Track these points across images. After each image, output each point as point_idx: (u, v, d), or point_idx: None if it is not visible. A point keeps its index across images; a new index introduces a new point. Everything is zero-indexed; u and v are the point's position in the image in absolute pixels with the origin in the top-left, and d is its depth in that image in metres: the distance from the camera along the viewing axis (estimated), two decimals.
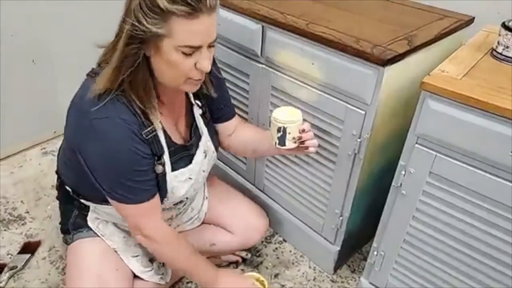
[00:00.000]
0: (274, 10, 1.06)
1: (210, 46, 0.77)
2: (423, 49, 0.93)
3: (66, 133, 0.90)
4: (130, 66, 0.75)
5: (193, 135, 0.97)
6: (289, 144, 0.90)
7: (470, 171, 0.77)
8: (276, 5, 1.10)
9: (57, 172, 1.07)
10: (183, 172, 0.93)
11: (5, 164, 1.61)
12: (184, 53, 0.74)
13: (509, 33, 0.80)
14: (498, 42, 0.84)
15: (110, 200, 0.87)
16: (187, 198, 1.03)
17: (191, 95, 0.98)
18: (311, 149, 0.92)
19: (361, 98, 0.92)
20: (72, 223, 1.03)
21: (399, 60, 0.87)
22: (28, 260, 1.24)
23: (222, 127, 1.07)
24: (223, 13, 1.15)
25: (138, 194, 0.84)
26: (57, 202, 1.11)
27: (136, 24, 0.71)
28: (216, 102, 1.02)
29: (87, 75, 0.85)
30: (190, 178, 0.95)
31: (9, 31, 1.44)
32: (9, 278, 1.18)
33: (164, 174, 0.89)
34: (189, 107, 0.98)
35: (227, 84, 1.26)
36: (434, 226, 0.88)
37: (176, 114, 0.94)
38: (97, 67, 0.84)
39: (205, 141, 1.00)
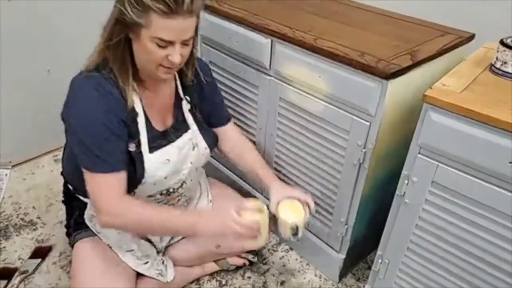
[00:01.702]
0: (283, 25, 1.11)
1: (183, 43, 0.86)
2: (425, 64, 0.97)
3: (63, 111, 0.94)
4: (115, 44, 0.86)
5: (178, 125, 1.02)
6: (301, 233, 0.98)
7: (471, 180, 0.80)
8: (285, 20, 1.14)
9: (62, 173, 1.11)
10: (160, 154, 0.96)
11: (18, 170, 1.65)
12: (158, 44, 0.83)
13: (507, 49, 0.84)
14: (497, 58, 0.88)
15: (82, 170, 0.89)
16: (174, 189, 1.03)
17: (180, 91, 1.04)
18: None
19: (366, 110, 0.95)
20: (73, 224, 1.07)
21: (402, 74, 0.91)
22: (38, 265, 1.26)
23: (217, 132, 1.13)
24: (234, 27, 1.20)
25: (100, 163, 0.87)
26: None
27: (123, 10, 0.81)
28: (207, 106, 1.10)
29: None
30: (168, 160, 0.97)
31: (26, 42, 1.50)
32: (20, 282, 1.20)
33: (140, 153, 0.93)
34: (178, 101, 1.04)
35: (237, 96, 1.31)
36: (437, 235, 0.90)
37: (160, 103, 0.99)
38: None
39: (194, 135, 1.04)
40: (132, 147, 0.92)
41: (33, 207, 1.49)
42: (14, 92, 1.53)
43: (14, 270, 1.23)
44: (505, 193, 0.77)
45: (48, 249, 1.32)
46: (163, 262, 1.11)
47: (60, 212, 1.46)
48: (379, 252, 1.04)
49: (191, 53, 0.94)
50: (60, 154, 1.74)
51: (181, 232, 1.02)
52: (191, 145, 1.03)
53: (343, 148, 1.04)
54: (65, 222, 1.14)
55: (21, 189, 1.56)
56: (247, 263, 1.28)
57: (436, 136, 0.82)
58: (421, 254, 0.95)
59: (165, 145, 0.98)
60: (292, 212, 0.97)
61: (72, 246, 1.06)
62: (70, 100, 0.89)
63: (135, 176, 0.93)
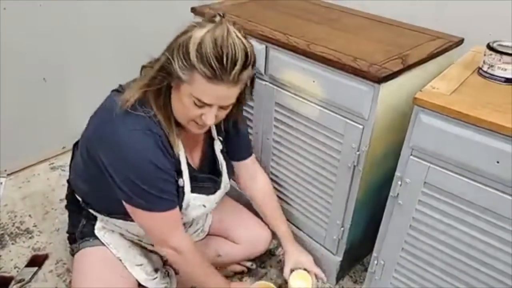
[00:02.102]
0: (276, 31, 1.13)
1: (221, 107, 0.84)
2: (416, 68, 0.99)
3: (88, 140, 0.93)
4: (156, 88, 0.84)
5: (214, 167, 1.04)
6: None
7: (461, 180, 0.82)
8: (279, 26, 1.17)
9: (68, 182, 1.11)
10: (201, 198, 0.98)
11: (14, 178, 1.65)
12: (195, 103, 0.81)
13: (493, 53, 0.87)
14: (484, 61, 0.90)
15: (134, 210, 0.89)
16: (193, 219, 1.07)
17: (213, 130, 1.04)
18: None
19: (359, 113, 0.97)
20: (80, 232, 1.06)
21: (393, 78, 0.93)
22: (35, 273, 1.26)
23: (237, 164, 1.14)
24: None
25: (163, 202, 0.88)
26: (65, 216, 1.14)
27: (170, 60, 0.79)
28: (233, 143, 1.10)
29: (114, 90, 0.92)
30: (204, 206, 1.00)
31: (22, 50, 1.51)
32: None
33: (183, 191, 0.94)
34: (209, 140, 1.04)
35: None
36: (430, 235, 0.92)
37: (192, 143, 1.00)
38: (125, 84, 0.92)
39: (225, 175, 1.06)
40: (181, 183, 0.93)
41: (29, 215, 1.48)
42: (10, 101, 1.54)
43: (10, 279, 1.23)
44: (494, 192, 0.79)
45: (45, 257, 1.32)
46: (168, 274, 1.11)
47: (56, 220, 1.46)
48: (374, 254, 1.05)
49: (238, 112, 0.96)
50: (56, 162, 1.75)
51: None
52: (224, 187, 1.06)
53: (337, 151, 1.06)
54: (64, 229, 1.14)
55: (16, 198, 1.56)
56: (246, 270, 1.29)
57: (427, 138, 0.84)
58: (416, 254, 0.97)
59: (211, 194, 1.01)
60: (303, 280, 1.11)
61: (74, 252, 1.06)
62: (116, 140, 0.84)
63: None
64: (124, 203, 0.89)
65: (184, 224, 1.05)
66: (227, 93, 0.81)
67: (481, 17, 1.19)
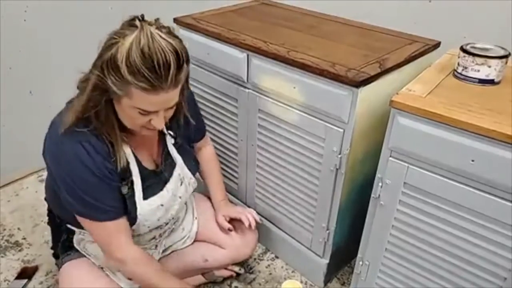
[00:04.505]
0: (257, 40, 1.15)
1: (167, 108, 0.84)
2: (394, 71, 1.01)
3: (43, 155, 0.92)
4: (94, 107, 0.82)
5: (165, 162, 1.02)
6: None
7: (439, 180, 0.84)
8: (260, 34, 1.19)
9: (46, 199, 1.10)
10: (155, 200, 0.97)
11: (2, 192, 1.65)
12: (140, 113, 0.81)
13: (466, 55, 0.89)
14: (458, 63, 0.93)
15: (79, 218, 0.90)
16: (166, 223, 1.06)
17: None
18: None
19: (339, 117, 0.99)
20: (61, 247, 1.06)
21: (371, 82, 0.95)
22: (25, 285, 1.25)
23: (195, 146, 1.17)
24: (212, 43, 1.24)
25: (100, 212, 0.88)
26: None
27: (101, 77, 0.77)
28: (192, 130, 1.11)
29: (67, 103, 0.92)
30: (161, 205, 0.99)
31: (8, 64, 1.51)
32: None
33: (132, 197, 0.93)
34: (162, 136, 1.04)
35: (218, 109, 1.35)
36: (412, 234, 0.93)
37: (148, 143, 1.00)
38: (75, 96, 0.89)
39: (180, 168, 1.04)
40: (124, 190, 0.91)
41: (18, 228, 1.48)
42: None
43: None
44: (470, 190, 0.81)
45: (35, 269, 1.32)
46: None
47: (45, 232, 1.45)
48: (359, 255, 1.07)
49: (180, 108, 0.95)
50: (44, 174, 1.75)
51: None
52: (178, 181, 1.04)
53: (320, 155, 1.08)
54: (51, 243, 1.14)
55: (5, 211, 1.56)
56: (234, 274, 1.29)
57: (405, 139, 0.86)
58: (399, 254, 0.98)
59: (160, 190, 0.99)
60: None
61: (59, 267, 1.06)
62: (58, 158, 0.86)
63: (128, 219, 0.94)
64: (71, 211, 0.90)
65: (157, 227, 1.04)
66: (169, 97, 0.80)
67: (455, 21, 1.22)
